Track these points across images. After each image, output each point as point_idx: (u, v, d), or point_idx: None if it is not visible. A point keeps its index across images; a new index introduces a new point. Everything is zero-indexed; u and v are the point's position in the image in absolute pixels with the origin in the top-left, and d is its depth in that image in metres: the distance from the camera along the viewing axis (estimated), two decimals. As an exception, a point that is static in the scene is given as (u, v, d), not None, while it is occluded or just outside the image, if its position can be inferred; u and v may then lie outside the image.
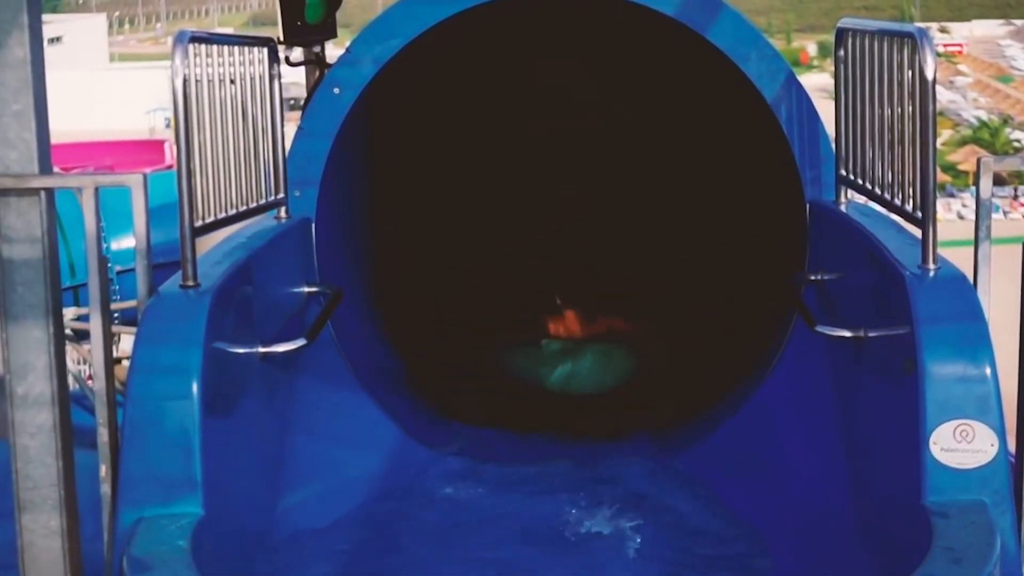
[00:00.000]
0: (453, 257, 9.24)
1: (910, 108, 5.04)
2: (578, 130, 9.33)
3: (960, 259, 5.03)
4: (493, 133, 9.35)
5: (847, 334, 5.47)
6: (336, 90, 6.54)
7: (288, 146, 6.35)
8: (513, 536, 5.89)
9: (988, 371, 4.56)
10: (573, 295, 9.34)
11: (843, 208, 6.05)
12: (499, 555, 5.73)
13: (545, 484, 6.41)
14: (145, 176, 4.90)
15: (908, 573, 4.12)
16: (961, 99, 70.88)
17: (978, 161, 5.00)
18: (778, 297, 6.63)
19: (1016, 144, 62.19)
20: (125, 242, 12.02)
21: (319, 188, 6.52)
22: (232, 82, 5.61)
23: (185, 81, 5.00)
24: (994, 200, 5.07)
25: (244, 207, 5.72)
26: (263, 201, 5.98)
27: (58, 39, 65.63)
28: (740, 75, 6.37)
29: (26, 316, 4.75)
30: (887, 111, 5.34)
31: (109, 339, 4.87)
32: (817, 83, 49.15)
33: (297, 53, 7.97)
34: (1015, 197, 56.22)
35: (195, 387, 4.62)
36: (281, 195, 6.21)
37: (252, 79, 5.84)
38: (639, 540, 5.84)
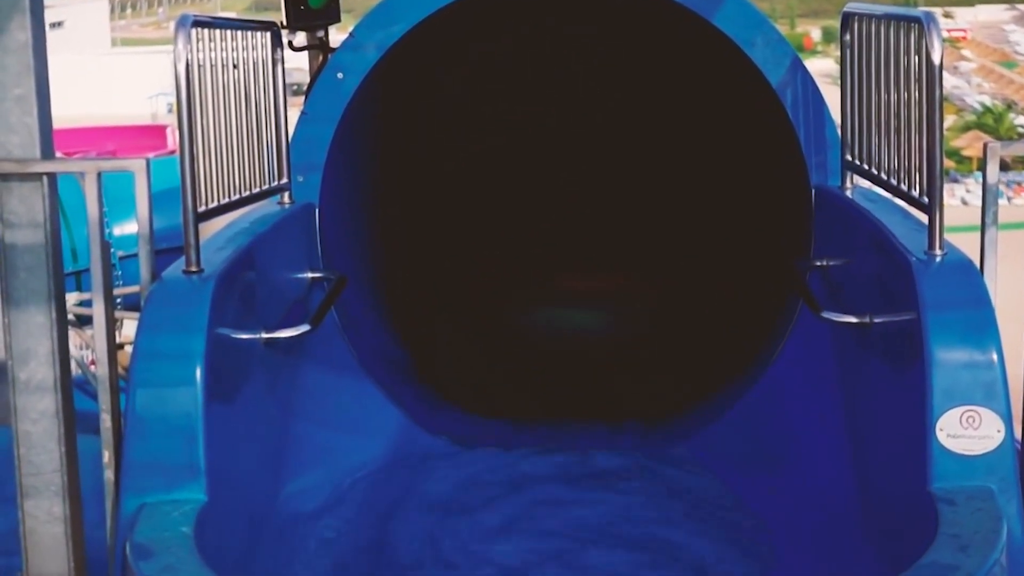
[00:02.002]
0: (457, 243, 9.22)
1: (916, 93, 5.01)
2: (581, 117, 9.30)
3: (964, 245, 5.01)
4: (496, 120, 9.32)
5: (853, 320, 5.45)
6: (339, 75, 6.52)
7: (291, 131, 6.33)
8: (516, 523, 5.88)
9: (995, 357, 4.54)
10: (575, 283, 9.34)
11: (849, 194, 6.03)
12: (502, 543, 5.72)
13: (548, 471, 6.41)
14: (148, 161, 4.90)
15: (913, 560, 4.10)
16: (965, 84, 70.76)
17: (985, 146, 4.97)
18: (783, 283, 6.61)
19: (1020, 129, 62.07)
20: (128, 228, 11.99)
21: (323, 173, 6.50)
22: (235, 67, 5.58)
23: (188, 66, 4.97)
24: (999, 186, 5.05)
25: (247, 192, 5.70)
26: (266, 186, 5.97)
27: (60, 24, 65.57)
28: (745, 60, 6.34)
29: (28, 301, 4.74)
30: (893, 96, 5.32)
31: (112, 325, 4.86)
32: (821, 69, 49.14)
33: (300, 38, 7.97)
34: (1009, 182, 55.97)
35: (198, 373, 4.61)
36: (284, 180, 6.19)
37: (255, 64, 5.81)
38: (642, 526, 5.83)
